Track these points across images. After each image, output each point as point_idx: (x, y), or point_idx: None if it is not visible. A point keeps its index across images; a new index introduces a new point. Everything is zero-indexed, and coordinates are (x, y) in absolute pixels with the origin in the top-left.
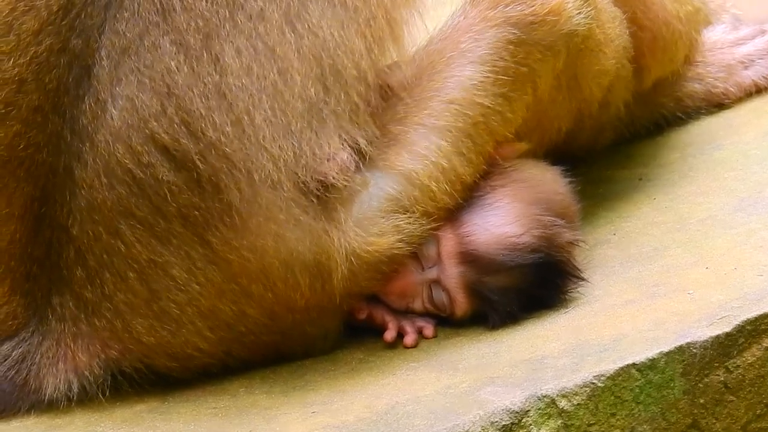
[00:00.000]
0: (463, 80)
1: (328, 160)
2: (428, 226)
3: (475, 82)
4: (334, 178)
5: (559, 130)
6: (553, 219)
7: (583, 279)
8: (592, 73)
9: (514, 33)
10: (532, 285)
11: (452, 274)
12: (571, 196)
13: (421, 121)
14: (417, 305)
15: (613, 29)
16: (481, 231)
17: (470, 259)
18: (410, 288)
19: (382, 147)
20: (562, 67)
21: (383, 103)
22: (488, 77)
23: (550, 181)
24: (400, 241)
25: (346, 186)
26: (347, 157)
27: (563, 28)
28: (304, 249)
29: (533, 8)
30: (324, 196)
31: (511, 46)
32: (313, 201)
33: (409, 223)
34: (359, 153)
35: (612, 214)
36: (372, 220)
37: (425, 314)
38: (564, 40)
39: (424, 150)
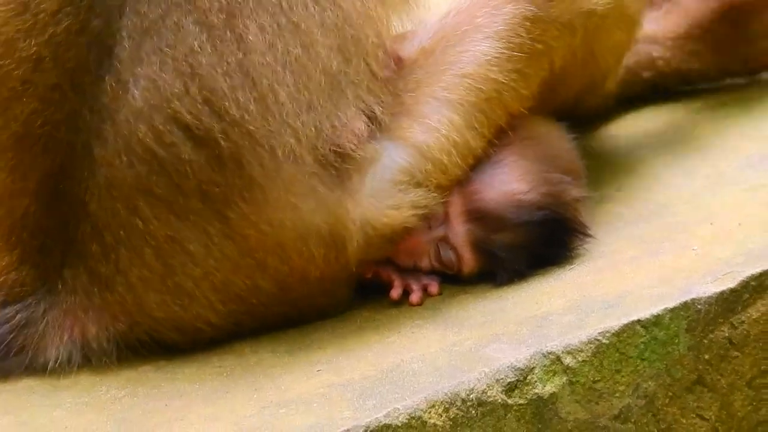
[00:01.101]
0: (477, 55)
1: (344, 131)
2: (442, 200)
3: (490, 58)
4: (351, 149)
5: (569, 96)
6: (560, 176)
7: (589, 235)
8: (608, 47)
9: (531, 9)
10: (539, 242)
11: (459, 231)
12: (577, 152)
13: (433, 93)
14: (424, 263)
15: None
16: (488, 188)
17: (477, 216)
18: (418, 246)
19: (394, 117)
20: (579, 43)
21: (397, 71)
22: (503, 53)
23: (555, 138)
24: (414, 215)
25: (360, 156)
26: (363, 127)
27: (582, 6)
28: (320, 220)
29: None
30: (340, 167)
31: (527, 23)
32: (330, 173)
33: (425, 198)
34: (374, 122)
35: (617, 170)
36: (386, 192)
37: (432, 272)
38: (582, 19)
39: (435, 123)
